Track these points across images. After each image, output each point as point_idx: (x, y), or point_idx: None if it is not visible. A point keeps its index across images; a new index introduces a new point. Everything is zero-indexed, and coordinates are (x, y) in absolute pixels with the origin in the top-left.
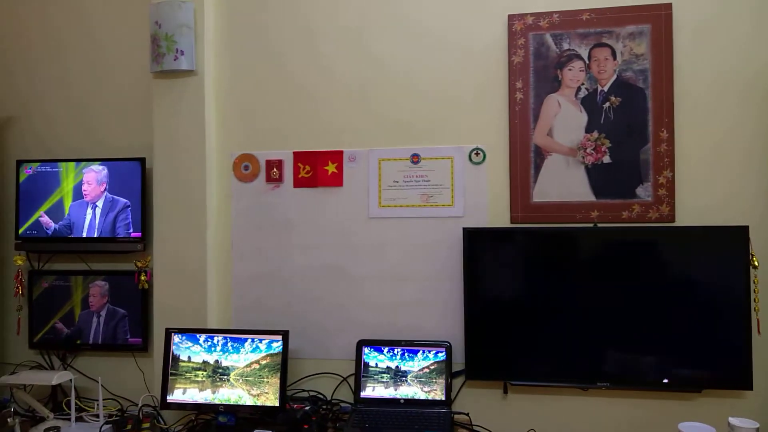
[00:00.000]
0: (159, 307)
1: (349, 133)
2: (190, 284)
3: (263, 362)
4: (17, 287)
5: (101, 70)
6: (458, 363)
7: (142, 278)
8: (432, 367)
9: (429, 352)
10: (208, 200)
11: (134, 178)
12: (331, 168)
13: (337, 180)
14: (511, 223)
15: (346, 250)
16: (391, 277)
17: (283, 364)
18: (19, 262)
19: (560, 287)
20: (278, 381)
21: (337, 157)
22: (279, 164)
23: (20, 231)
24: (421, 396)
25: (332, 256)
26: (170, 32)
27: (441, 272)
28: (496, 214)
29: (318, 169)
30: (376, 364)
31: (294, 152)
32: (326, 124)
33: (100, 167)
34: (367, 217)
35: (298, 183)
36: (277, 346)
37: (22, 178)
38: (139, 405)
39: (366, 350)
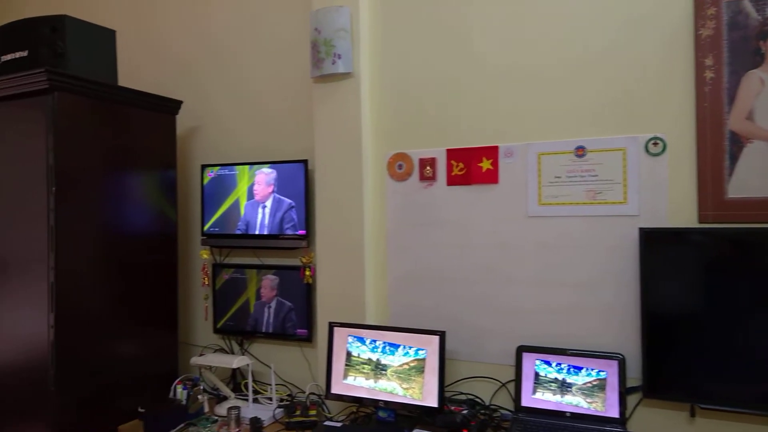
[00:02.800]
0: (322, 301)
1: (505, 127)
2: (350, 280)
3: (412, 364)
4: (204, 278)
5: (269, 79)
6: (632, 378)
7: (307, 273)
8: (599, 381)
9: (597, 365)
10: (365, 199)
11: (298, 179)
12: (485, 164)
13: (492, 177)
14: (700, 222)
15: (502, 250)
16: (551, 280)
17: (440, 364)
18: (205, 256)
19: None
20: (423, 379)
21: (492, 152)
22: (432, 162)
23: (205, 228)
24: (585, 406)
25: (487, 256)
26: (329, 37)
27: (608, 276)
28: (678, 213)
29: (472, 166)
30: (539, 372)
31: (447, 149)
32: (480, 119)
33: (269, 170)
34: (525, 216)
35: (452, 181)
36: (423, 353)
37: (205, 181)
38: (306, 393)
39: (527, 356)
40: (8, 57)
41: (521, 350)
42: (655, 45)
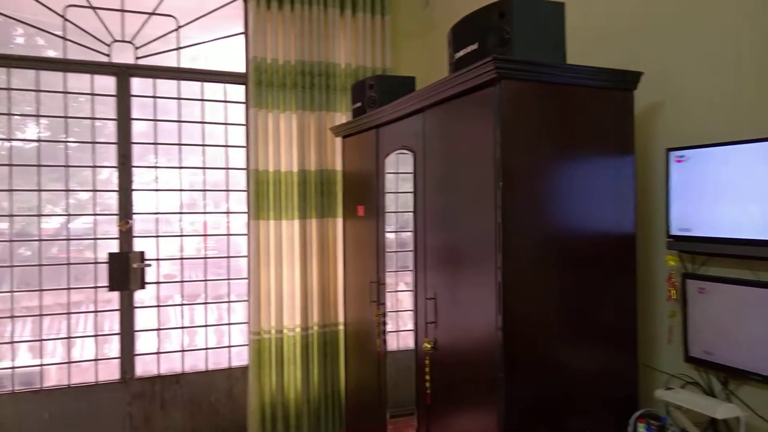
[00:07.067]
0: None
1: None
2: None
3: None
4: (670, 290)
5: (754, 26)
6: None
7: None
8: None
9: None
10: None
11: None
12: None
13: None
14: None
15: None
16: None
17: None
18: (671, 263)
19: None
20: None
21: None
22: None
23: (671, 229)
24: None
25: None
26: None
27: None
28: None
29: None
30: None
31: None
32: None
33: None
34: None
35: None
36: None
37: (672, 169)
38: None
39: None
40: (461, 53)
41: None
42: None
